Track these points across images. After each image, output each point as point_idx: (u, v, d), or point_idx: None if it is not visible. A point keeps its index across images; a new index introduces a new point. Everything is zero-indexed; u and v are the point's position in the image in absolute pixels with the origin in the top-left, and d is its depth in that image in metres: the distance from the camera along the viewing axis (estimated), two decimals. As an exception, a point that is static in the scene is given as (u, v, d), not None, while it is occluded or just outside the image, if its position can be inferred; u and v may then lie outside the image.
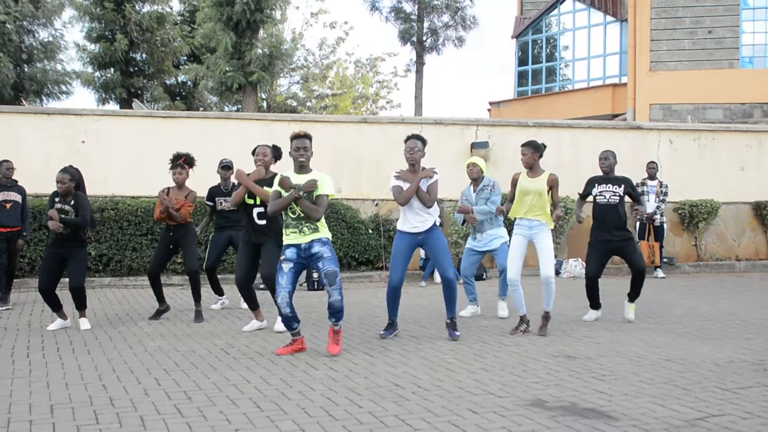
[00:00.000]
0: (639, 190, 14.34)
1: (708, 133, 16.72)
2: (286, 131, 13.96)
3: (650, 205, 14.32)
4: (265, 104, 28.90)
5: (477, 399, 5.50)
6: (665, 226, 14.73)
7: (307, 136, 7.33)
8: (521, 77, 29.16)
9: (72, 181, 8.74)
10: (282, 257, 7.21)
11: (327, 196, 7.19)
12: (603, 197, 9.04)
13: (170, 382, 6.06)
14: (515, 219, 8.57)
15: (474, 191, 9.58)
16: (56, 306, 8.84)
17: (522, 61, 29.21)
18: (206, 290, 10.29)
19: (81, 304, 8.87)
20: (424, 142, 8.17)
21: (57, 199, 8.70)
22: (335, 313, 7.15)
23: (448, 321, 8.12)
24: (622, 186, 9.05)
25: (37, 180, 12.39)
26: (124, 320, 9.33)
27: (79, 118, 14.10)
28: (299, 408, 5.28)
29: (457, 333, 8.04)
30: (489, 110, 29.78)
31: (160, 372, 6.46)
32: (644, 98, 23.09)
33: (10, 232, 10.56)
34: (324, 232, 7.26)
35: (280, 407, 5.30)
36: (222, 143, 13.74)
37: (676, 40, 23.14)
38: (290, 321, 7.23)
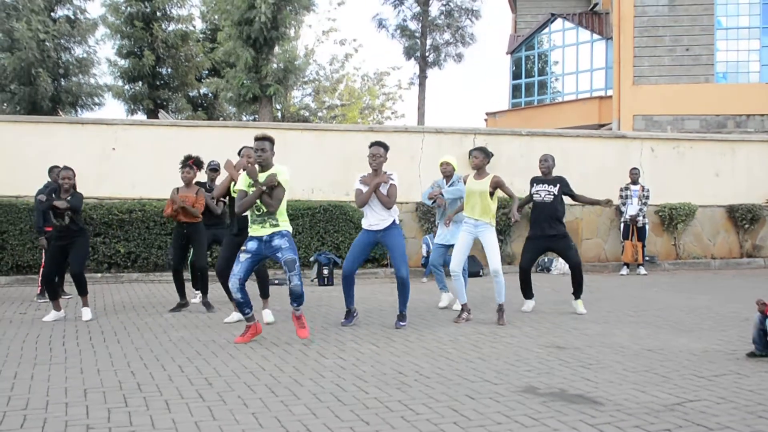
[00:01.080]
0: (623, 194, 14.40)
1: (686, 142, 16.70)
2: (299, 139, 14.06)
3: (633, 207, 14.32)
4: (279, 114, 28.92)
5: (474, 386, 5.49)
6: (647, 227, 14.73)
7: (267, 138, 7.35)
8: (515, 90, 29.13)
9: (74, 178, 9.04)
10: (243, 248, 7.26)
11: (282, 188, 7.20)
12: (539, 196, 9.16)
13: (192, 369, 6.07)
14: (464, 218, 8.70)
15: (446, 184, 9.75)
16: (54, 295, 8.95)
17: (516, 75, 29.19)
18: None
19: (82, 290, 8.96)
20: (386, 148, 8.30)
21: (54, 195, 8.87)
22: (296, 298, 7.13)
23: (398, 314, 8.24)
24: (557, 185, 9.11)
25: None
26: (150, 312, 9.33)
27: (110, 127, 14.11)
28: (311, 393, 5.27)
29: (404, 323, 8.16)
30: (486, 120, 29.77)
31: (183, 360, 6.47)
32: (628, 110, 23.05)
33: None
34: (284, 225, 7.28)
35: (293, 393, 5.30)
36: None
37: (656, 57, 23.10)
38: (242, 306, 7.26)
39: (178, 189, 9.51)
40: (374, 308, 9.56)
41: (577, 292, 9.21)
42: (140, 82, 25.80)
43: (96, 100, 25.47)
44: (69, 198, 8.78)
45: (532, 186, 9.26)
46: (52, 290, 8.96)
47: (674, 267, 15.49)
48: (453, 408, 4.90)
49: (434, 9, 25.87)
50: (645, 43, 23.08)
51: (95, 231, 12.83)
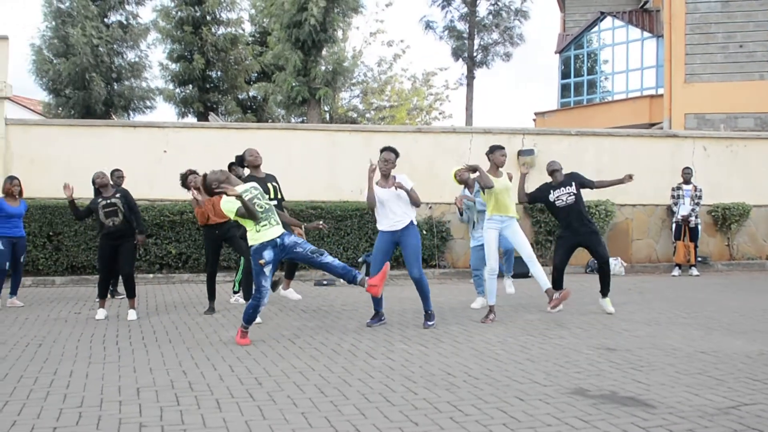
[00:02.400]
0: (675, 194, 14.20)
1: (739, 141, 16.38)
2: (347, 140, 14.11)
3: (685, 207, 14.10)
4: (327, 116, 29.04)
5: (523, 387, 5.46)
6: (699, 227, 14.48)
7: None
8: (564, 89, 28.86)
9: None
10: (261, 261, 7.09)
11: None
12: (562, 201, 9.11)
13: (243, 369, 6.13)
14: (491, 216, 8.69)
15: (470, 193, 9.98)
16: (103, 294, 9.20)
17: (565, 74, 28.92)
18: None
19: (131, 292, 9.12)
20: (397, 154, 8.39)
21: (100, 199, 9.16)
22: (347, 272, 7.24)
23: (424, 313, 8.26)
24: (573, 183, 9.09)
25: (125, 185, 12.58)
26: (200, 312, 9.43)
27: (162, 130, 14.33)
28: (359, 394, 5.29)
29: (431, 323, 8.16)
30: (534, 120, 29.53)
31: (233, 360, 6.53)
32: (679, 108, 22.68)
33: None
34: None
35: (342, 393, 5.32)
36: (289, 151, 13.84)
37: (709, 54, 22.69)
38: (255, 316, 7.35)
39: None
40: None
41: (605, 290, 9.12)
42: (190, 86, 26.10)
43: (147, 103, 25.82)
44: (118, 195, 9.12)
45: (548, 194, 9.14)
46: (106, 289, 9.23)
47: (728, 268, 15.20)
48: (502, 409, 4.88)
49: (482, 9, 25.75)
50: (697, 41, 22.69)
51: (147, 232, 13.01)
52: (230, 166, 9.86)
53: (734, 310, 9.43)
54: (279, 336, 7.71)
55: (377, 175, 8.23)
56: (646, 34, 26.22)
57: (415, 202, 8.12)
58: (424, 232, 14.02)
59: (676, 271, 14.21)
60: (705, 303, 10.11)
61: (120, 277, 11.18)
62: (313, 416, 4.75)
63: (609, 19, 27.43)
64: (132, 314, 9.04)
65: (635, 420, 4.61)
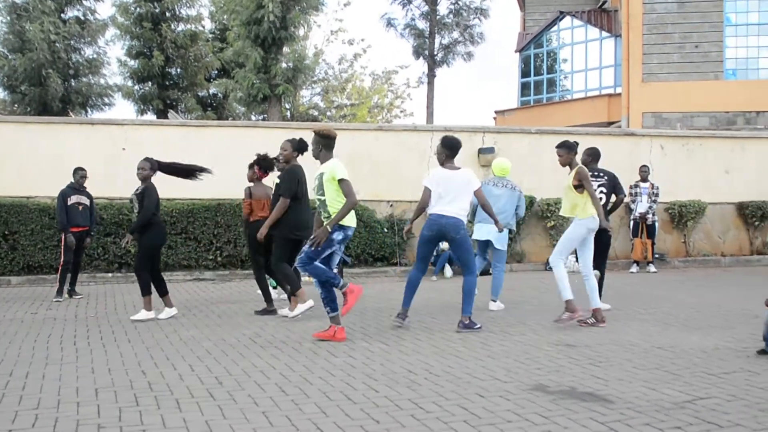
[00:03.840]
0: (632, 191, 14.35)
1: (695, 139, 16.64)
2: (309, 138, 14.02)
3: (642, 205, 14.26)
4: (288, 114, 28.96)
5: (484, 384, 5.49)
6: (656, 224, 14.67)
7: (317, 132, 7.57)
8: (524, 88, 29.08)
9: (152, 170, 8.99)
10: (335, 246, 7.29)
11: (344, 180, 7.23)
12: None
13: (203, 369, 6.08)
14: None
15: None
16: (163, 292, 8.97)
17: (525, 73, 29.14)
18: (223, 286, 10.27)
19: (142, 291, 8.79)
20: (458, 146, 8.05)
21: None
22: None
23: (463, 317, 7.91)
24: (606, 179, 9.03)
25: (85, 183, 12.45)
26: (159, 311, 9.32)
27: (120, 128, 14.16)
28: (321, 392, 5.27)
29: (476, 327, 7.80)
30: (495, 118, 29.73)
31: (193, 359, 6.48)
32: (637, 107, 22.98)
33: (81, 231, 10.86)
34: (350, 218, 7.35)
35: (303, 391, 5.30)
36: (250, 150, 13.72)
37: (666, 54, 23.02)
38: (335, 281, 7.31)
39: (249, 189, 9.41)
40: (385, 307, 9.55)
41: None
42: (150, 83, 25.86)
43: (106, 100, 25.57)
44: (139, 191, 8.79)
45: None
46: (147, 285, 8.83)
47: (684, 264, 15.43)
48: (463, 406, 4.90)
49: (442, 8, 25.87)
50: (654, 41, 23.00)
51: (105, 231, 12.88)
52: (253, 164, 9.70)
53: (690, 306, 9.58)
54: (240, 335, 7.66)
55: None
56: (605, 33, 26.53)
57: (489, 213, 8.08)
58: (386, 230, 14.04)
59: (634, 268, 14.39)
60: (662, 299, 10.25)
61: (77, 277, 11.16)
62: (274, 415, 4.73)
63: (568, 18, 27.70)
64: (142, 314, 8.79)
65: (594, 415, 4.67)
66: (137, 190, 8.83)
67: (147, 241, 8.83)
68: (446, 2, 26.00)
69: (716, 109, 22.62)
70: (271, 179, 9.32)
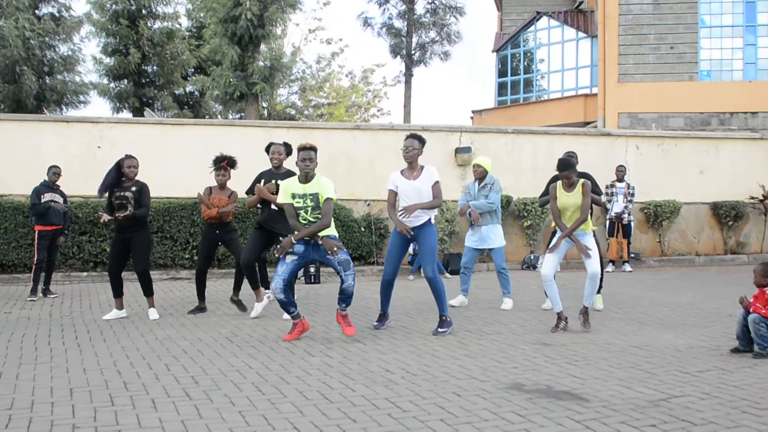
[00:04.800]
0: (608, 191, 14.42)
1: (671, 140, 16.78)
2: (286, 137, 14.00)
3: (618, 205, 14.33)
4: (265, 112, 28.85)
5: (461, 383, 5.50)
6: (632, 224, 14.74)
7: (313, 148, 7.22)
8: (501, 88, 29.18)
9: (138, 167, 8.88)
10: (290, 250, 7.19)
11: (330, 200, 7.13)
12: None
13: (179, 368, 6.05)
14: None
15: (477, 188, 9.65)
16: (117, 292, 8.83)
17: (502, 73, 29.24)
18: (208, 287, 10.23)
19: (147, 290, 8.81)
20: (422, 141, 7.98)
21: (116, 189, 8.68)
22: (347, 297, 7.23)
23: (439, 317, 7.77)
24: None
25: (58, 181, 12.33)
26: (136, 311, 9.28)
27: (96, 126, 14.04)
28: (297, 392, 5.27)
29: (444, 330, 7.62)
30: (472, 118, 29.80)
31: (169, 358, 6.44)
32: (613, 107, 23.14)
33: (55, 230, 10.75)
34: (330, 230, 7.24)
35: (280, 391, 5.29)
36: (226, 148, 13.67)
37: (641, 55, 23.19)
38: (286, 306, 7.28)
39: (211, 189, 9.21)
40: (361, 306, 9.55)
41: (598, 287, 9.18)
42: (126, 80, 25.66)
43: (81, 98, 25.32)
44: (134, 189, 8.66)
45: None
46: (116, 285, 8.80)
47: (659, 264, 15.56)
48: (440, 405, 4.91)
49: (419, 7, 25.92)
50: (630, 41, 23.16)
51: (81, 230, 12.77)
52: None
53: (665, 305, 9.66)
54: (216, 334, 7.63)
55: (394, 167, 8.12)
56: (581, 34, 26.68)
57: (436, 198, 7.71)
58: (363, 229, 14.03)
59: (609, 267, 14.46)
60: (637, 298, 10.32)
61: (51, 276, 11.05)
62: (250, 415, 4.72)
63: (545, 18, 27.83)
64: (153, 313, 8.76)
65: (570, 413, 4.69)
66: (130, 186, 8.69)
67: (147, 238, 8.86)
68: (423, 1, 26.08)
69: (691, 109, 22.83)
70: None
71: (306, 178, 7.20)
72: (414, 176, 7.82)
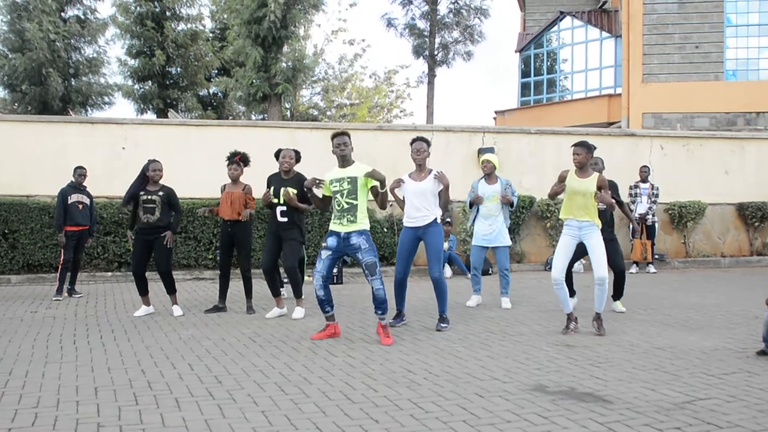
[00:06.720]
0: (632, 192, 14.34)
1: (695, 140, 16.65)
2: (308, 138, 14.06)
3: (642, 206, 14.24)
4: (288, 113, 28.97)
5: (483, 384, 5.49)
6: (656, 225, 14.67)
7: (346, 133, 7.45)
8: (524, 88, 29.10)
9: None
10: (323, 244, 7.25)
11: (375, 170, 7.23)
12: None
13: (202, 368, 6.08)
14: (565, 220, 7.90)
15: (488, 184, 9.75)
16: (143, 291, 9.07)
17: (525, 73, 29.16)
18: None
19: (170, 288, 9.06)
20: (428, 143, 8.10)
21: (142, 192, 8.88)
22: (380, 303, 7.18)
23: (439, 316, 8.01)
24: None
25: (84, 182, 12.44)
26: (160, 311, 9.34)
27: (120, 127, 14.15)
28: (320, 392, 5.28)
29: (445, 326, 7.89)
30: (494, 118, 29.75)
31: (193, 358, 6.48)
32: (637, 107, 23.01)
33: (81, 230, 10.83)
34: (363, 223, 7.23)
35: (303, 391, 5.30)
36: (249, 149, 13.72)
37: (666, 54, 23.04)
38: (323, 304, 7.30)
39: (225, 186, 9.41)
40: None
41: (618, 294, 9.24)
42: (150, 82, 25.85)
43: (106, 99, 25.57)
44: (161, 193, 8.88)
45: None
46: (142, 285, 9.04)
47: (684, 265, 15.44)
48: (462, 406, 4.90)
49: (443, 8, 25.85)
50: (654, 41, 23.02)
51: (105, 230, 12.87)
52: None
53: (690, 306, 9.58)
54: (239, 334, 7.66)
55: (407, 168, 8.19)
56: (605, 34, 26.53)
57: (444, 202, 7.88)
58: (385, 230, 14.03)
59: (633, 269, 14.38)
60: (662, 300, 10.25)
61: (77, 276, 11.15)
62: (273, 415, 4.73)
63: (568, 18, 27.71)
64: (177, 310, 9.01)
65: (593, 415, 4.67)
66: (157, 191, 8.88)
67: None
68: (446, 2, 26.02)
69: (716, 109, 22.66)
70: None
71: (344, 161, 7.36)
72: (421, 178, 8.01)
